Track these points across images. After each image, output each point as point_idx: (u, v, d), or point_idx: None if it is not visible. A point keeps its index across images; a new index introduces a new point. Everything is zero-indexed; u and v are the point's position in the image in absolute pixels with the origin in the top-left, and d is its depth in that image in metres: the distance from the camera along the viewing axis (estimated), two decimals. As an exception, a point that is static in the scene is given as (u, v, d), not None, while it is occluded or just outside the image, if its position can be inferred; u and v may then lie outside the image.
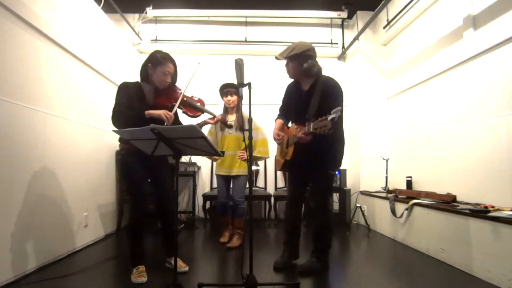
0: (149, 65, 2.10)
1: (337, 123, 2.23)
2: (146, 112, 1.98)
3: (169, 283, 1.68)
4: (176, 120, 2.22)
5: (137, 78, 2.21)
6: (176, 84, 2.25)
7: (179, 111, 2.21)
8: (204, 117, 2.32)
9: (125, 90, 2.07)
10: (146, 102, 2.11)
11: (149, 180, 2.25)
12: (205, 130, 2.40)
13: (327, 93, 2.16)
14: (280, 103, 2.52)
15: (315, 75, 2.24)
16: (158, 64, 2.08)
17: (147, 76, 2.13)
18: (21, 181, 2.04)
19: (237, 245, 2.86)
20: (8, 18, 1.96)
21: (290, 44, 2.28)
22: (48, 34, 2.31)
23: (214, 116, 2.30)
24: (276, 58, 2.26)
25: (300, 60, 2.18)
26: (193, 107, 2.20)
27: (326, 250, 2.29)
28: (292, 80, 2.42)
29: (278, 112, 2.50)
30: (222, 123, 2.56)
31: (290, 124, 2.43)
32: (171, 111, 2.04)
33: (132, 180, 2.11)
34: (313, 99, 2.16)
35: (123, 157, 2.13)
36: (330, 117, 1.76)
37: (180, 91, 2.17)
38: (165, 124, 1.95)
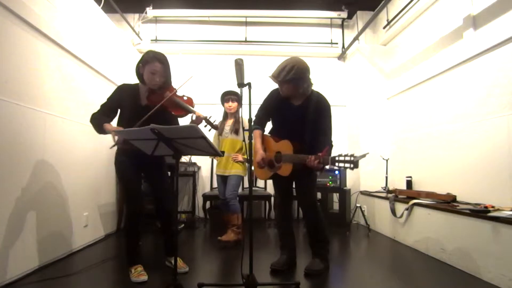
0: (140, 65, 2.09)
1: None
2: (104, 125, 1.98)
3: (169, 283, 1.68)
4: (170, 119, 2.14)
5: (136, 78, 2.21)
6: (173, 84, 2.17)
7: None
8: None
9: (117, 92, 2.13)
10: (139, 103, 2.11)
11: (146, 180, 2.27)
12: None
13: (320, 113, 2.18)
14: None
15: (309, 91, 2.24)
16: (146, 63, 2.05)
17: (141, 76, 2.11)
18: (21, 181, 2.04)
19: (229, 239, 2.91)
20: (8, 18, 1.96)
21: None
22: (48, 34, 2.31)
23: (199, 115, 2.13)
24: (272, 78, 2.16)
25: (298, 82, 2.12)
26: (180, 107, 2.09)
27: (326, 247, 2.29)
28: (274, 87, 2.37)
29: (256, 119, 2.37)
30: (206, 121, 2.20)
31: (267, 133, 2.40)
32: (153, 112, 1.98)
33: (124, 179, 2.15)
34: (308, 117, 2.16)
35: (116, 156, 2.15)
36: (355, 159, 1.80)
37: (173, 91, 2.08)
38: (114, 143, 1.95)
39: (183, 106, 2.08)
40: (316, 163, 1.93)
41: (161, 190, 2.21)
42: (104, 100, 2.14)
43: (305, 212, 2.32)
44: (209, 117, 2.20)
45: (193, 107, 2.13)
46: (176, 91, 2.07)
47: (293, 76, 2.08)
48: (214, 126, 2.26)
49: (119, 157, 2.13)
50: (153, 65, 2.02)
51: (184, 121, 2.17)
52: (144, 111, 1.98)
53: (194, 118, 2.12)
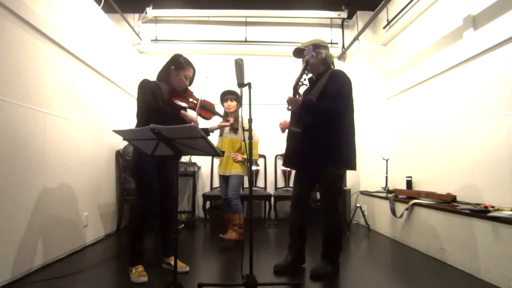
0: (172, 67, 2.20)
1: (341, 117, 2.18)
2: (182, 112, 2.14)
3: (169, 283, 1.68)
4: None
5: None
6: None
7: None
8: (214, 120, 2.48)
9: (148, 86, 2.16)
10: (163, 101, 2.17)
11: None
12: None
13: (329, 80, 2.17)
14: (280, 103, 2.53)
15: (329, 67, 2.29)
16: (181, 68, 2.19)
17: (167, 77, 2.22)
18: (21, 181, 2.04)
19: (230, 238, 2.92)
20: (8, 18, 1.96)
21: (292, 43, 2.31)
22: (48, 34, 2.31)
23: (227, 120, 2.62)
24: (298, 48, 2.31)
25: (319, 49, 2.27)
26: (209, 110, 2.31)
27: (337, 253, 2.22)
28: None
29: (277, 112, 2.52)
30: (232, 128, 2.79)
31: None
32: (185, 111, 2.23)
33: (145, 179, 2.12)
34: (318, 83, 2.18)
35: (139, 155, 2.08)
36: (305, 59, 2.03)
37: (193, 94, 2.31)
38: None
39: (212, 111, 2.32)
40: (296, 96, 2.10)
41: (169, 189, 2.22)
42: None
43: (323, 214, 2.24)
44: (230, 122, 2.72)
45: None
46: (201, 97, 2.25)
47: (315, 42, 2.30)
48: (235, 129, 3.00)
49: (145, 156, 1.99)
50: (189, 70, 2.23)
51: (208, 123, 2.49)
52: (168, 109, 2.11)
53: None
